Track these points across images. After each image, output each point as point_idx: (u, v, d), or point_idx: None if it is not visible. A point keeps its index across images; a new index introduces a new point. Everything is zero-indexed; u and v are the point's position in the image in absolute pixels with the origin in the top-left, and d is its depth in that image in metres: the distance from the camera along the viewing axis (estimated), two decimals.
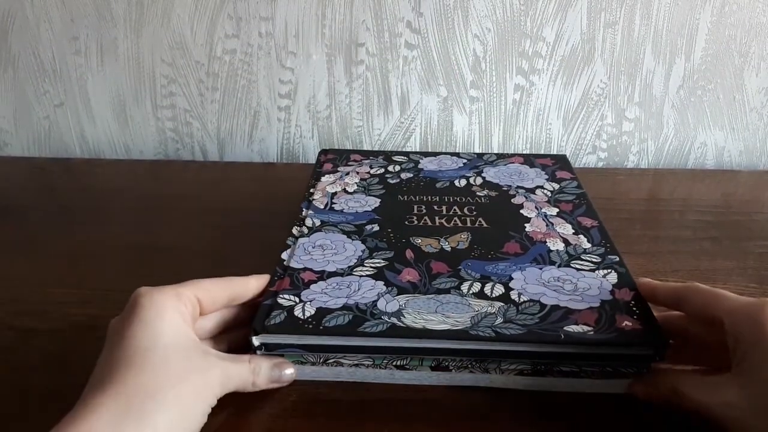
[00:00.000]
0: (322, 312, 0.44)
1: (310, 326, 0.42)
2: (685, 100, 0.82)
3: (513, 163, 0.68)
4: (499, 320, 0.43)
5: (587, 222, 0.56)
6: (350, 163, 0.68)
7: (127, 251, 0.63)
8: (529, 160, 0.69)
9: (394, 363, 0.44)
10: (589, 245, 0.52)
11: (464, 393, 0.44)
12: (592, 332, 0.42)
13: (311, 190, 0.62)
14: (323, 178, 0.64)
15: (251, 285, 0.46)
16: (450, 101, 0.83)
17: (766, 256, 0.62)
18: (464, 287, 0.46)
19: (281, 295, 0.45)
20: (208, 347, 0.41)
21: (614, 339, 0.42)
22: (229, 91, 0.84)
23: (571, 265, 0.49)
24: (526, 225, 0.55)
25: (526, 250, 0.51)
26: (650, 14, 0.77)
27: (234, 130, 0.86)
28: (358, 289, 0.46)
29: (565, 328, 0.42)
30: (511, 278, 0.48)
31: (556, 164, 0.68)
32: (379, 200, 0.60)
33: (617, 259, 0.50)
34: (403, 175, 0.65)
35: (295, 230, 0.54)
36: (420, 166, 0.67)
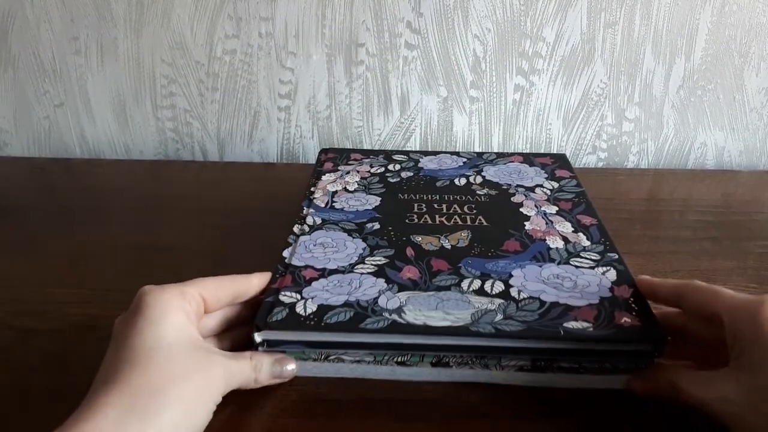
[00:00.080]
0: (323, 309, 0.44)
1: (312, 323, 0.43)
2: (685, 100, 0.83)
3: (513, 162, 0.69)
4: (499, 317, 0.44)
5: (586, 220, 0.57)
6: (350, 162, 0.69)
7: (127, 251, 0.63)
8: (529, 159, 0.70)
9: (395, 359, 0.45)
10: (588, 243, 0.53)
11: (464, 393, 0.44)
12: (591, 328, 0.43)
13: (312, 189, 0.63)
14: (324, 177, 0.65)
15: (254, 283, 0.46)
16: (450, 101, 0.84)
17: (766, 256, 0.62)
18: (464, 284, 0.47)
19: (283, 293, 0.46)
20: (211, 345, 0.42)
21: (613, 335, 0.42)
22: (229, 91, 0.84)
23: (571, 262, 0.50)
24: (525, 223, 0.56)
25: (525, 247, 0.52)
26: (650, 14, 0.78)
27: (234, 130, 0.87)
28: (359, 287, 0.47)
29: (564, 324, 0.43)
30: (510, 275, 0.48)
31: (555, 163, 0.69)
32: (380, 199, 0.60)
33: (616, 256, 0.51)
34: (404, 174, 0.66)
35: (296, 228, 0.55)
36: (420, 165, 0.68)
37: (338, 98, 0.84)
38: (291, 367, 0.44)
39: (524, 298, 0.46)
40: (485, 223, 0.56)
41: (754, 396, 0.36)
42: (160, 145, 0.88)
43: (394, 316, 0.44)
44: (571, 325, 0.43)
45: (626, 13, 0.78)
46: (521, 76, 0.82)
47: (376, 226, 0.56)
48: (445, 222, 0.56)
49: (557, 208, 0.59)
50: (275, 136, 0.87)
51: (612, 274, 0.49)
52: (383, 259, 0.51)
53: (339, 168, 0.67)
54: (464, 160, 0.69)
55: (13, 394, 0.45)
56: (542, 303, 0.45)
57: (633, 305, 0.45)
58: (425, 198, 0.61)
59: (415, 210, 0.58)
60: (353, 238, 0.54)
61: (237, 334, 0.47)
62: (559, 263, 0.50)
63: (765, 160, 0.87)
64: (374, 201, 0.60)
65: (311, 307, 0.45)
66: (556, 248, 0.52)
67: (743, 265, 0.61)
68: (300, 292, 0.46)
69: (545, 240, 0.53)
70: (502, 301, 0.45)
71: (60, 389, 0.44)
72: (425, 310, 0.44)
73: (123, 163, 0.86)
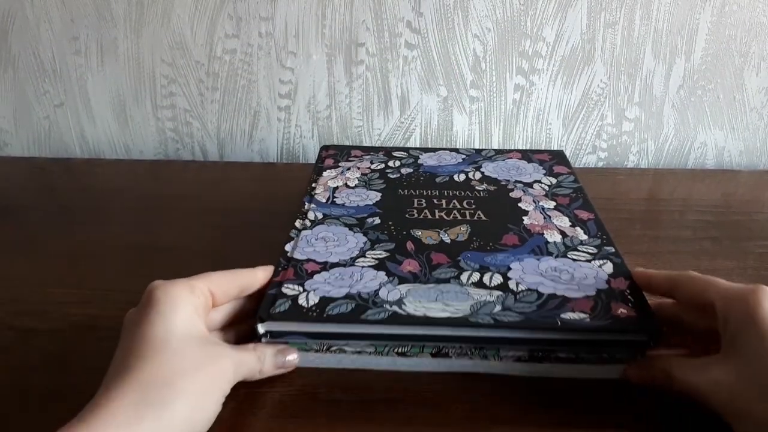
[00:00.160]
0: (325, 301, 0.46)
1: (314, 314, 0.45)
2: (685, 100, 0.85)
3: (511, 158, 0.71)
4: (498, 308, 0.45)
5: (584, 215, 0.58)
6: (351, 158, 0.71)
7: (127, 251, 0.64)
8: (527, 155, 0.72)
9: (396, 350, 0.46)
10: (585, 237, 0.55)
11: (464, 393, 0.45)
12: (588, 319, 0.44)
13: (313, 185, 0.64)
14: (325, 173, 0.67)
15: (258, 276, 0.48)
16: (450, 101, 0.85)
17: (766, 256, 0.63)
18: (464, 277, 0.49)
19: (286, 285, 0.48)
20: (217, 338, 0.44)
21: (609, 325, 0.44)
22: (229, 91, 0.86)
23: (568, 255, 0.52)
24: (524, 218, 0.58)
25: (524, 241, 0.54)
26: (650, 14, 0.80)
27: (234, 130, 0.88)
28: (360, 279, 0.48)
29: (561, 315, 0.45)
30: (509, 268, 0.50)
31: (553, 159, 0.71)
32: (380, 194, 0.62)
33: (613, 250, 0.53)
34: (403, 170, 0.67)
35: (298, 223, 0.57)
36: (420, 161, 0.70)
37: (338, 98, 0.86)
38: (293, 356, 0.46)
39: (522, 290, 0.47)
40: (484, 218, 0.58)
41: (744, 380, 0.38)
42: (160, 145, 0.90)
43: (395, 308, 0.45)
44: (569, 315, 0.45)
45: (626, 13, 0.80)
46: (521, 76, 0.84)
47: (377, 220, 0.57)
48: (445, 217, 0.58)
49: (555, 203, 0.61)
50: (275, 135, 0.89)
51: (609, 267, 0.50)
52: (384, 252, 0.52)
53: (340, 164, 0.69)
54: (463, 156, 0.71)
55: (13, 394, 0.46)
56: (540, 295, 0.47)
57: (629, 297, 0.47)
58: (425, 193, 0.63)
59: (415, 205, 0.60)
60: (354, 232, 0.55)
61: (240, 328, 0.48)
62: (556, 256, 0.52)
63: (765, 160, 0.88)
64: (375, 196, 0.62)
65: (313, 299, 0.46)
66: (554, 242, 0.54)
67: (743, 265, 0.62)
68: (302, 285, 0.48)
69: (543, 234, 0.55)
70: (500, 293, 0.47)
71: (60, 389, 0.46)
72: (425, 302, 0.46)
73: (123, 163, 0.87)
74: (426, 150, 0.73)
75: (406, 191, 0.63)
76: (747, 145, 0.88)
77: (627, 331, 0.44)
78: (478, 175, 0.67)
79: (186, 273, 0.45)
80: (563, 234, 0.55)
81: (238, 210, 0.72)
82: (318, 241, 0.54)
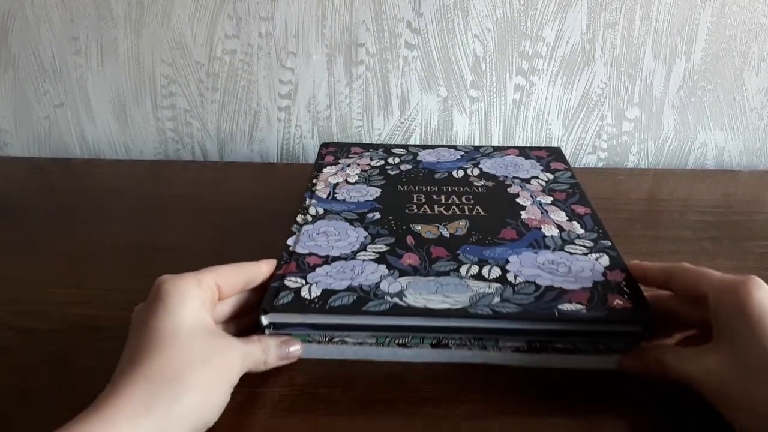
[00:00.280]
0: (327, 293, 0.48)
1: (317, 306, 0.47)
2: (685, 101, 0.87)
3: (509, 155, 0.73)
4: (497, 300, 0.47)
5: (580, 210, 0.61)
6: (351, 155, 0.73)
7: (127, 251, 0.65)
8: (525, 152, 0.74)
9: (397, 341, 0.48)
10: (582, 231, 0.57)
11: (464, 393, 0.47)
12: (585, 310, 0.46)
13: (314, 181, 0.67)
14: (325, 170, 0.69)
15: (263, 269, 0.50)
16: (450, 101, 0.87)
17: (766, 256, 0.65)
18: (463, 270, 0.51)
19: (288, 278, 0.50)
20: (223, 331, 0.45)
21: (606, 316, 0.46)
22: (229, 91, 0.88)
23: (565, 249, 0.54)
24: (521, 212, 0.60)
25: (521, 235, 0.56)
26: (650, 14, 0.82)
27: (234, 130, 0.90)
28: (362, 272, 0.51)
29: (559, 306, 0.47)
30: (507, 261, 0.52)
31: (550, 156, 0.73)
32: (380, 190, 0.64)
33: (609, 243, 0.55)
34: (403, 167, 0.70)
35: (299, 218, 0.59)
36: (419, 158, 0.72)
37: (338, 98, 0.87)
38: (295, 347, 0.48)
39: (520, 283, 0.49)
40: (482, 213, 0.60)
41: (735, 368, 0.40)
42: (160, 145, 0.91)
43: (396, 300, 0.47)
44: (566, 307, 0.47)
45: (626, 13, 0.82)
46: (521, 76, 0.86)
47: (377, 215, 0.59)
48: (444, 212, 0.60)
49: (552, 198, 0.63)
50: (275, 136, 0.90)
51: (605, 260, 0.53)
52: (384, 246, 0.54)
53: (340, 161, 0.71)
54: (462, 153, 0.74)
55: (13, 394, 0.47)
56: (537, 287, 0.49)
57: (625, 288, 0.49)
58: (424, 189, 0.65)
59: (415, 201, 0.62)
60: (355, 227, 0.58)
61: (242, 321, 0.50)
62: (554, 250, 0.54)
63: (765, 160, 0.90)
64: (375, 192, 0.64)
65: (315, 292, 0.48)
66: (551, 236, 0.56)
67: (743, 265, 0.63)
68: (304, 278, 0.50)
69: (540, 228, 0.57)
70: (499, 285, 0.49)
71: (60, 389, 0.47)
72: (425, 294, 0.48)
73: (123, 163, 0.88)
74: (425, 147, 0.75)
75: (405, 187, 0.65)
76: (747, 146, 0.89)
77: (623, 322, 0.47)
78: (476, 172, 0.69)
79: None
80: (560, 228, 0.57)
81: (238, 210, 0.73)
82: (319, 236, 0.56)
